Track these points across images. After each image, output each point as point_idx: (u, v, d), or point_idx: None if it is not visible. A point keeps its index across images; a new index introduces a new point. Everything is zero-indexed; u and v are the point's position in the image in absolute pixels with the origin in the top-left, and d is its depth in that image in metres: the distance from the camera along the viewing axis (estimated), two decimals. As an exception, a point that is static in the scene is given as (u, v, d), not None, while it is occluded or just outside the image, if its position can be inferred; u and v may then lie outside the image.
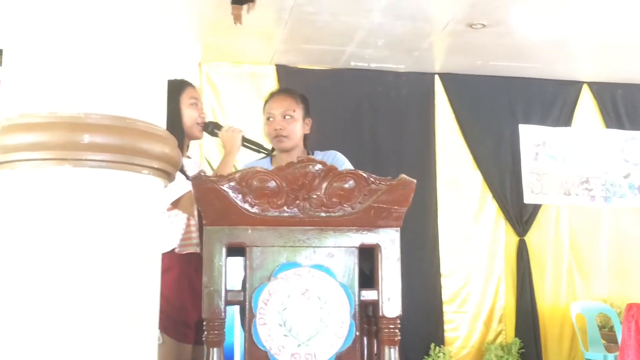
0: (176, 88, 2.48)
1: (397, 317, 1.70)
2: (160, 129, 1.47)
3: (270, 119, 2.75)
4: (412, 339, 5.46)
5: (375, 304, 1.72)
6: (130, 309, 1.36)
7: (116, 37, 1.42)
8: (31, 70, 1.38)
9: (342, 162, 2.70)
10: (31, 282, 1.30)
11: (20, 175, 1.34)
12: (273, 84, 5.64)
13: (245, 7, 4.07)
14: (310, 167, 1.68)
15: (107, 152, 1.34)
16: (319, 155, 2.74)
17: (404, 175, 1.72)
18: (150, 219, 1.46)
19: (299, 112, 2.75)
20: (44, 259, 1.30)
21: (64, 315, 1.29)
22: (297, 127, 2.73)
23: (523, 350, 5.81)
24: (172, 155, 1.48)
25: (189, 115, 2.54)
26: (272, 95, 2.87)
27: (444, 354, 5.65)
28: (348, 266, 1.70)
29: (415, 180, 1.71)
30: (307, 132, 2.79)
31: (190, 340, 2.40)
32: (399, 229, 1.72)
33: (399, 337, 1.70)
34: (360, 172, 1.71)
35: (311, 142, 2.81)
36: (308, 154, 2.74)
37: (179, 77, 2.62)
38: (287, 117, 2.72)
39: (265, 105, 2.83)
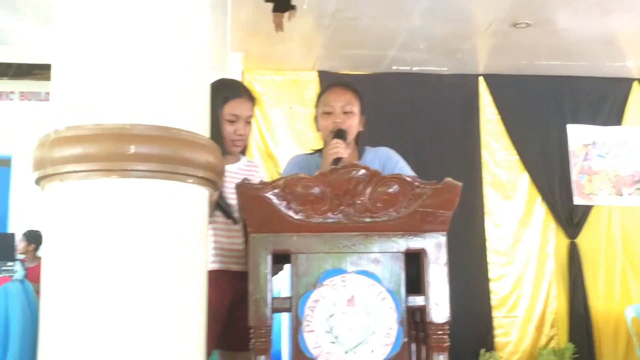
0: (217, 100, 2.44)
1: (445, 323, 1.67)
2: (204, 138, 1.48)
3: (329, 112, 2.58)
4: (461, 344, 5.36)
5: (422, 310, 1.69)
6: (177, 321, 1.37)
7: (160, 48, 1.44)
8: (78, 83, 1.41)
9: (396, 160, 2.60)
10: (81, 292, 1.32)
11: (69, 187, 1.36)
12: (315, 91, 5.65)
13: (286, 14, 4.08)
14: (354, 172, 1.67)
15: (153, 162, 1.36)
16: (370, 151, 2.63)
17: (449, 179, 1.69)
18: (197, 229, 1.47)
19: (357, 108, 2.61)
20: (93, 270, 1.32)
21: (111, 325, 1.31)
22: (355, 122, 2.58)
23: (577, 356, 5.66)
24: (216, 164, 1.49)
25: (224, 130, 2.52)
26: (330, 87, 2.69)
27: (494, 359, 5.56)
28: (394, 272, 1.68)
29: (460, 184, 1.69)
30: (361, 129, 2.69)
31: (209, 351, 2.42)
32: (445, 233, 1.69)
33: (448, 343, 1.67)
34: (405, 176, 1.69)
35: (362, 139, 2.72)
36: (359, 151, 2.66)
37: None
38: (347, 111, 2.57)
39: (320, 97, 2.67)
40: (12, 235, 6.21)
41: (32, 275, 4.26)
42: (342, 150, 2.40)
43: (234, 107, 2.55)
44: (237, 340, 2.54)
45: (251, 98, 2.66)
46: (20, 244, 6.07)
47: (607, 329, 5.91)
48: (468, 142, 5.99)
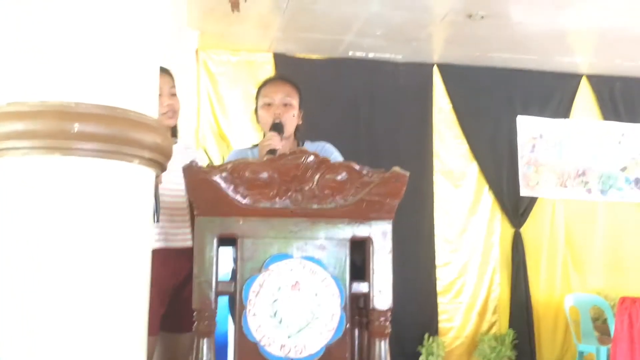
0: None
1: (387, 310, 1.70)
2: (152, 119, 1.46)
3: (269, 104, 2.65)
4: (406, 328, 5.48)
5: (366, 297, 1.72)
6: (119, 302, 1.36)
7: (108, 24, 1.40)
8: (21, 57, 1.36)
9: (331, 153, 2.65)
10: (19, 272, 1.29)
11: (8, 164, 1.33)
12: (270, 73, 5.62)
13: (243, -6, 4.04)
14: (303, 158, 1.67)
15: (97, 141, 1.33)
16: (309, 145, 2.68)
17: (396, 168, 1.71)
18: (141, 210, 1.45)
19: (296, 101, 2.68)
20: (31, 249, 1.29)
21: (50, 306, 1.29)
22: (294, 115, 2.66)
23: (517, 341, 5.84)
24: (163, 146, 1.47)
25: None
26: (270, 80, 2.78)
27: (437, 344, 5.67)
28: (339, 258, 1.69)
29: (407, 173, 1.71)
30: (300, 122, 2.74)
31: (153, 332, 2.38)
32: (391, 221, 1.72)
33: (389, 330, 1.70)
34: (353, 164, 1.70)
35: (302, 133, 2.77)
36: (298, 144, 2.70)
37: (172, 67, 2.58)
38: (286, 104, 2.63)
39: (260, 90, 2.73)
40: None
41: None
42: (276, 142, 2.44)
43: None
44: (179, 321, 2.53)
45: (167, 72, 2.63)
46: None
47: (547, 316, 6.10)
48: (420, 130, 6.06)
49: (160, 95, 2.51)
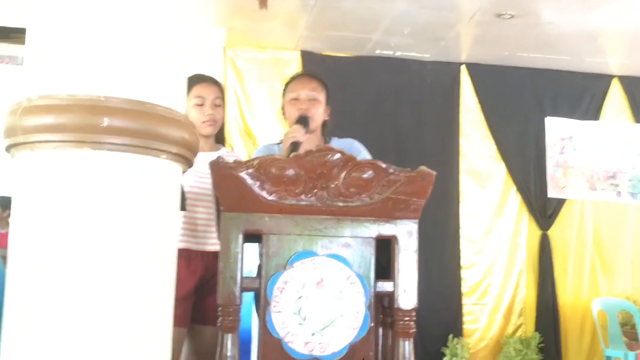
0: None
1: (412, 310, 1.69)
2: (180, 114, 1.47)
3: (295, 99, 2.66)
4: (430, 329, 5.45)
5: (391, 296, 1.71)
6: (147, 293, 1.37)
7: (139, 20, 1.41)
8: (53, 50, 1.38)
9: (359, 151, 2.65)
10: (47, 263, 1.31)
11: (39, 157, 1.35)
12: (297, 70, 5.62)
13: (271, -8, 4.05)
14: (329, 156, 1.67)
15: (126, 135, 1.34)
16: (336, 142, 2.68)
17: (423, 167, 1.70)
18: (168, 205, 1.46)
19: (322, 96, 2.69)
20: (60, 240, 1.31)
21: (80, 297, 1.30)
22: (320, 111, 2.67)
23: (542, 345, 5.76)
24: (190, 141, 1.48)
25: (192, 117, 2.55)
26: (296, 76, 2.80)
27: (462, 345, 5.63)
28: (364, 257, 1.69)
29: (434, 173, 1.69)
30: (327, 118, 2.74)
31: (184, 324, 2.51)
32: (417, 220, 1.71)
33: (414, 330, 1.69)
34: (379, 162, 1.69)
35: (328, 130, 2.77)
36: (325, 141, 2.70)
37: (200, 64, 2.64)
38: (312, 99, 2.65)
39: (287, 86, 2.75)
40: (-16, 201, 6.13)
41: (5, 241, 4.20)
42: (299, 134, 2.44)
43: (199, 90, 2.68)
44: (205, 314, 2.58)
45: (215, 82, 2.75)
46: (-7, 209, 5.99)
47: (574, 320, 6.01)
48: (447, 130, 6.01)
49: (202, 105, 2.66)
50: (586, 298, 6.00)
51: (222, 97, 2.76)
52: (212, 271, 2.56)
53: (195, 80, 2.68)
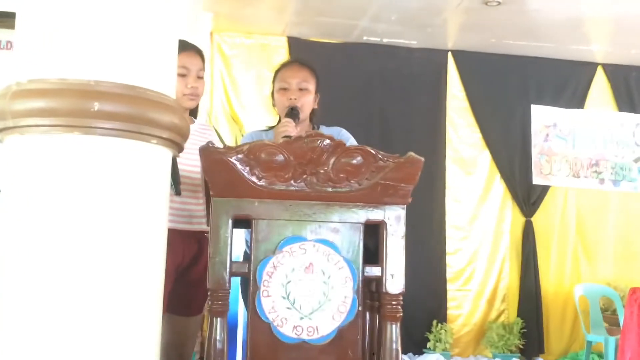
0: None
1: (399, 294, 1.71)
2: (170, 99, 1.47)
3: (285, 88, 2.65)
4: (414, 315, 5.50)
5: (378, 280, 1.73)
6: (135, 281, 1.37)
7: (128, 4, 1.41)
8: (43, 34, 1.37)
9: (347, 139, 2.64)
10: (38, 247, 1.31)
11: (29, 141, 1.34)
12: (284, 56, 5.61)
13: (258, -23, 4.03)
14: (319, 142, 1.68)
15: (117, 120, 1.34)
16: (324, 130, 2.67)
17: (411, 153, 1.71)
18: (158, 189, 1.46)
19: (312, 85, 2.68)
20: (50, 225, 1.31)
21: (68, 282, 1.30)
22: (310, 100, 2.66)
23: (525, 330, 5.85)
24: (181, 126, 1.48)
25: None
26: (287, 64, 2.78)
27: (445, 330, 5.70)
28: (353, 242, 1.70)
29: (422, 159, 1.71)
30: (316, 107, 2.74)
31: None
32: (405, 206, 1.72)
33: (401, 314, 1.71)
34: (368, 148, 1.70)
35: (317, 118, 2.77)
36: (313, 128, 2.71)
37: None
38: (302, 89, 2.64)
39: (277, 74, 2.73)
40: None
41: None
42: (291, 129, 2.44)
43: (183, 60, 2.38)
44: (187, 304, 2.52)
45: (199, 52, 2.61)
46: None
47: (556, 306, 6.10)
48: (433, 117, 6.04)
49: (186, 75, 2.50)
50: (568, 284, 6.09)
51: (204, 68, 2.62)
52: (190, 255, 2.47)
53: (179, 49, 2.54)
